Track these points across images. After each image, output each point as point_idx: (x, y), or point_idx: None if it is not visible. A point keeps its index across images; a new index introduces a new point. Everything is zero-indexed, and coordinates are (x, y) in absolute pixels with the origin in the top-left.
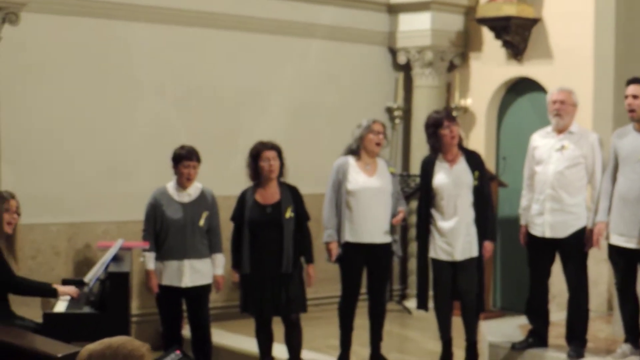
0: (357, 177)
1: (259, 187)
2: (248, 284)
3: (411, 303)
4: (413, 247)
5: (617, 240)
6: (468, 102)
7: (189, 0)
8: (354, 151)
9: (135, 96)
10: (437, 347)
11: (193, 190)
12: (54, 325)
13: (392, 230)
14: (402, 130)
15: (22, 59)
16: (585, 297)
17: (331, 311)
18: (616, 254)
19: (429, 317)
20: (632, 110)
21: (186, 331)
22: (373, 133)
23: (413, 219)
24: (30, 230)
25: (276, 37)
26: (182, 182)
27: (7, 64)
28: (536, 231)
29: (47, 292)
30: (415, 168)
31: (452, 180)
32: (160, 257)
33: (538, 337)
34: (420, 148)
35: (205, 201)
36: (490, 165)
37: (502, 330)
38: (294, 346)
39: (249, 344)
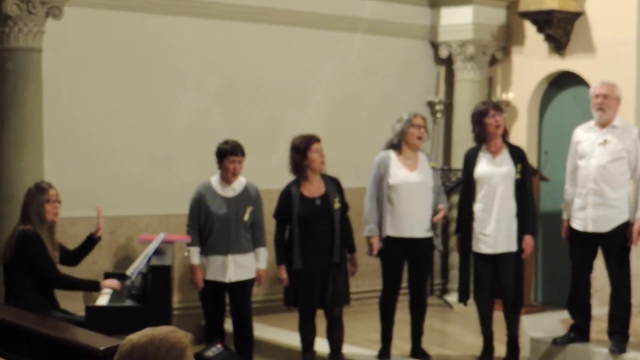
0: (399, 171)
1: (303, 181)
2: (299, 278)
3: (452, 297)
4: (454, 241)
5: None
6: (510, 96)
7: None
8: (395, 145)
9: (177, 90)
10: (478, 341)
11: (237, 185)
12: (96, 318)
13: (434, 224)
14: (444, 124)
15: (65, 53)
16: (627, 291)
17: (372, 305)
18: None
19: (470, 312)
20: None
21: (228, 325)
22: (415, 127)
23: (454, 213)
24: (72, 223)
25: (318, 31)
26: (228, 177)
27: (50, 58)
28: (578, 225)
29: (90, 287)
30: (457, 162)
31: (494, 170)
32: (205, 251)
33: (580, 332)
34: (461, 142)
35: (249, 196)
36: (532, 159)
37: (543, 325)
38: (336, 340)
39: (291, 338)
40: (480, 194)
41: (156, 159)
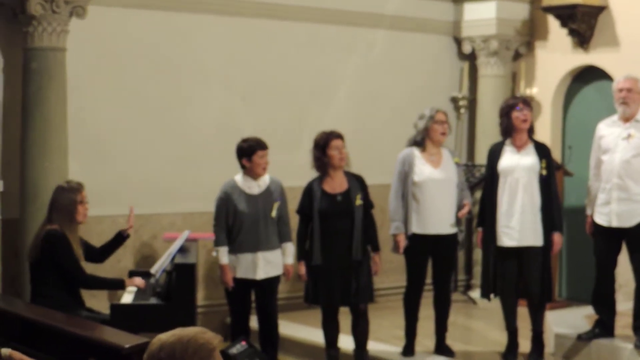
0: (423, 168)
1: (325, 177)
2: (318, 274)
3: (476, 293)
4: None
5: None
6: (534, 91)
7: None
8: (419, 142)
9: (202, 88)
10: (502, 337)
11: (262, 182)
12: (121, 316)
13: (458, 221)
14: (467, 120)
15: (89, 52)
16: None
17: (396, 301)
18: None
19: (495, 308)
20: None
21: (253, 322)
22: (437, 123)
23: (477, 209)
24: (98, 222)
25: (341, 27)
26: (258, 172)
27: (74, 57)
28: (602, 220)
29: (116, 286)
30: (480, 158)
31: (517, 162)
32: (234, 250)
33: (604, 327)
34: (485, 138)
35: (275, 191)
36: (556, 154)
37: (568, 320)
38: (361, 337)
39: (315, 335)
40: (504, 186)
41: (180, 157)
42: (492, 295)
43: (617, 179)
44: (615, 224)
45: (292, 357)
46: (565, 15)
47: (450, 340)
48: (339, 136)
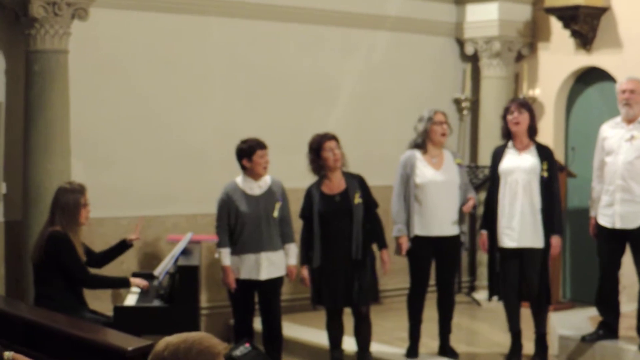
0: (425, 170)
1: (323, 179)
2: (320, 276)
3: (480, 295)
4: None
5: None
6: (536, 92)
7: None
8: (420, 145)
9: (204, 89)
10: (506, 339)
11: (263, 183)
12: (124, 319)
13: (461, 221)
14: (470, 121)
15: (91, 54)
16: None
17: (399, 303)
18: None
19: (498, 309)
20: None
21: (256, 323)
22: (436, 124)
23: (481, 209)
24: (100, 224)
25: (344, 29)
26: (259, 172)
27: (76, 59)
28: (606, 222)
29: (120, 284)
30: (483, 159)
31: (518, 164)
32: (237, 251)
33: (608, 329)
34: (488, 139)
35: (276, 192)
36: (559, 155)
37: (572, 322)
38: (364, 339)
39: (319, 336)
40: (505, 187)
41: (183, 158)
42: (495, 297)
43: (621, 180)
44: (618, 225)
45: (296, 358)
46: (568, 17)
47: (454, 342)
48: (332, 138)
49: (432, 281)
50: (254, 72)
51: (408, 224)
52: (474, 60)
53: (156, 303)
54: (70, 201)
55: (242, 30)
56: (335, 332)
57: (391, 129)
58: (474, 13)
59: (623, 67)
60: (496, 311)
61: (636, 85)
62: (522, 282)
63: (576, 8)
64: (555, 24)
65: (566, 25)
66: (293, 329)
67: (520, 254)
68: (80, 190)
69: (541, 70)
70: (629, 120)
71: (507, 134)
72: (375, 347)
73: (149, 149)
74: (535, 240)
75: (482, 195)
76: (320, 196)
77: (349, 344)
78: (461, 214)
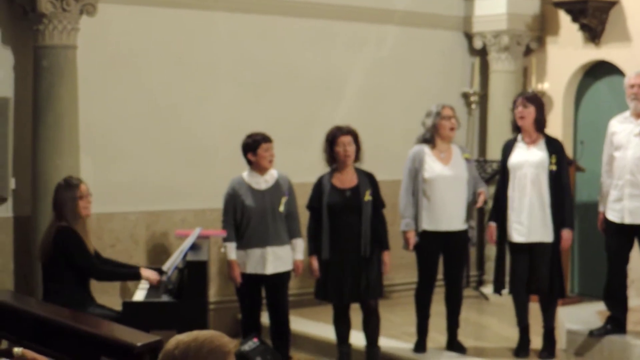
0: (433, 165)
1: (335, 172)
2: (328, 270)
3: (488, 289)
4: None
5: None
6: (545, 86)
7: None
8: (428, 140)
9: (212, 84)
10: (514, 333)
11: (269, 177)
12: (133, 314)
13: (469, 216)
14: (479, 115)
15: (99, 50)
16: None
17: (407, 297)
18: None
19: (506, 304)
20: None
21: (264, 318)
22: (445, 119)
23: (490, 204)
24: (109, 219)
25: (352, 23)
26: (265, 166)
27: (85, 55)
28: (614, 217)
29: (131, 276)
30: (492, 153)
31: (526, 158)
32: (243, 246)
33: (616, 323)
34: (497, 133)
35: (282, 186)
36: (567, 149)
37: (580, 316)
38: (372, 334)
39: (326, 331)
40: (514, 182)
41: (192, 153)
42: (503, 291)
43: (630, 175)
44: (627, 220)
45: (303, 353)
46: (577, 10)
47: (462, 337)
48: (348, 132)
49: (440, 276)
50: (261, 66)
51: (416, 218)
52: (482, 54)
53: (165, 298)
54: (66, 197)
55: (250, 25)
56: (342, 327)
57: (399, 123)
58: (482, 7)
59: (632, 60)
60: (504, 305)
61: None
62: (532, 276)
63: (585, 2)
64: (564, 18)
65: (575, 19)
66: (301, 323)
67: (530, 248)
68: (75, 184)
69: (550, 64)
70: (638, 115)
71: (517, 128)
72: (383, 342)
73: (157, 144)
74: (545, 235)
75: (491, 190)
76: (331, 188)
77: (357, 338)
78: (469, 208)
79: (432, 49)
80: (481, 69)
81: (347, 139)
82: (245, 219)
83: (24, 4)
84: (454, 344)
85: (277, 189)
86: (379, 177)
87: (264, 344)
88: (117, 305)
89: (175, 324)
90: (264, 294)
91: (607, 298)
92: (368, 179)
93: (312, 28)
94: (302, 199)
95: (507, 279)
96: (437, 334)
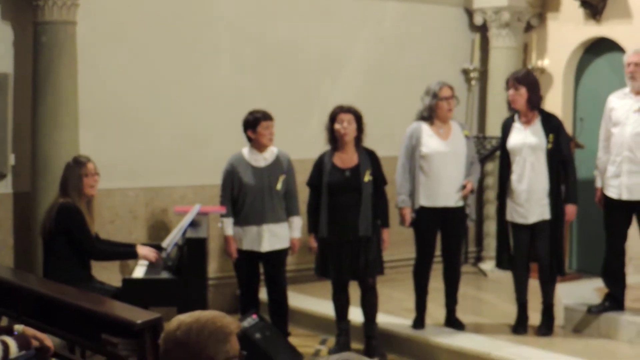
0: (431, 140)
1: (336, 151)
2: (326, 247)
3: (486, 265)
4: (488, 209)
5: None
6: (545, 63)
7: None
8: (426, 118)
9: (212, 61)
10: (512, 309)
11: (269, 155)
12: (132, 291)
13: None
14: (479, 91)
15: (99, 25)
16: None
17: (406, 274)
18: None
19: (505, 280)
20: None
21: (263, 294)
22: (443, 100)
23: (489, 180)
24: (108, 195)
25: (352, 0)
26: (263, 143)
27: (84, 30)
28: (612, 193)
29: (127, 255)
30: (491, 130)
31: (524, 141)
32: (239, 222)
33: (614, 300)
34: (496, 110)
35: (281, 164)
36: (567, 126)
37: (578, 293)
38: (370, 310)
39: (325, 307)
40: (514, 164)
41: (191, 129)
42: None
43: (628, 151)
44: (625, 196)
45: (302, 329)
46: None
47: (461, 312)
48: (347, 111)
49: (438, 252)
50: (262, 43)
51: (412, 195)
52: (482, 30)
53: (164, 275)
54: (72, 174)
55: (250, 2)
56: (341, 304)
57: (399, 99)
58: None
59: (633, 37)
60: (502, 282)
61: None
62: (532, 252)
63: None
64: None
65: None
66: (299, 299)
67: (532, 227)
68: (82, 162)
69: (550, 41)
70: (637, 92)
71: (510, 107)
72: (381, 318)
73: (157, 120)
74: (543, 214)
75: (489, 166)
76: (332, 167)
77: (356, 314)
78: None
79: (433, 25)
80: (481, 45)
81: (346, 117)
82: (242, 195)
83: None
84: (452, 320)
85: (276, 166)
86: (379, 153)
87: (263, 320)
88: (117, 282)
89: (174, 301)
90: (262, 270)
91: (605, 275)
92: (369, 158)
93: (312, 4)
94: (301, 175)
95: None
96: (436, 310)
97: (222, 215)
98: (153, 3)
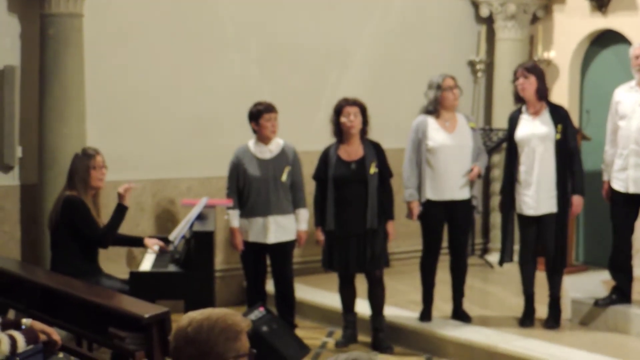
0: (437, 134)
1: (342, 144)
2: (333, 240)
3: (493, 257)
4: (495, 201)
5: None
6: (551, 55)
7: None
8: (431, 112)
9: (218, 53)
10: (519, 302)
11: (274, 147)
12: (139, 284)
13: (472, 185)
14: (485, 83)
15: (106, 18)
16: None
17: (413, 265)
18: None
19: (511, 272)
20: None
21: (269, 286)
22: (447, 90)
23: (496, 172)
24: (115, 187)
25: None
26: (267, 135)
27: (91, 23)
28: (619, 186)
29: (134, 242)
30: (498, 122)
31: (532, 132)
32: (245, 214)
33: (621, 293)
34: (502, 102)
35: (286, 156)
36: (573, 118)
37: (585, 286)
38: (377, 302)
39: (332, 299)
40: (522, 156)
41: (198, 121)
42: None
43: (635, 145)
44: (632, 189)
45: (309, 321)
46: None
47: (467, 305)
48: (354, 104)
49: (445, 244)
50: (267, 35)
51: (419, 188)
52: (489, 22)
53: (171, 268)
54: (80, 166)
55: None
56: (348, 296)
57: (405, 91)
58: None
59: (639, 29)
60: (509, 274)
61: None
62: (539, 245)
63: None
64: None
65: None
66: (306, 292)
67: (539, 220)
68: (91, 154)
69: (556, 33)
70: None
71: (519, 99)
72: (388, 311)
73: (163, 112)
74: (553, 206)
75: (495, 158)
76: (337, 160)
77: (362, 306)
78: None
79: (439, 17)
80: (487, 37)
81: (352, 110)
82: (247, 187)
83: None
84: (459, 313)
85: (282, 158)
86: (385, 145)
87: (270, 313)
88: (124, 274)
89: (182, 294)
90: (268, 262)
91: (612, 268)
92: (374, 150)
93: None
94: (307, 167)
95: (515, 248)
96: (443, 303)
97: (229, 208)
98: None
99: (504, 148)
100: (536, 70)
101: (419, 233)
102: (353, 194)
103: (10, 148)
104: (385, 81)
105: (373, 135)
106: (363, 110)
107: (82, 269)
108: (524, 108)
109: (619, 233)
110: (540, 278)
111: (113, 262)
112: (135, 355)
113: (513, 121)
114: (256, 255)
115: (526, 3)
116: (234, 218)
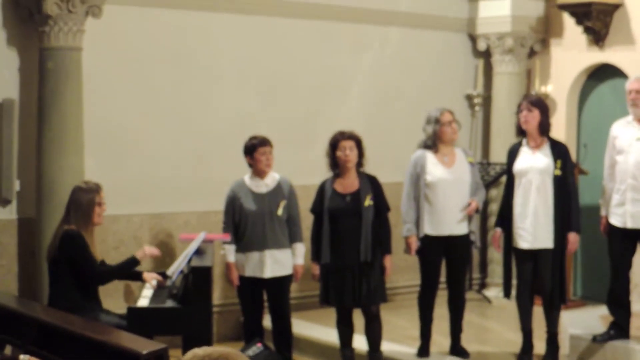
0: (436, 169)
1: (338, 177)
2: (328, 274)
3: (491, 292)
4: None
5: None
6: (548, 88)
7: None
8: (430, 146)
9: (216, 86)
10: (517, 338)
11: (270, 181)
12: (137, 319)
13: (470, 220)
14: (482, 117)
15: (105, 51)
16: None
17: (410, 300)
18: None
19: (509, 307)
20: None
21: (267, 321)
22: (445, 125)
23: (494, 206)
24: (113, 221)
25: (355, 25)
26: (262, 169)
27: (90, 56)
28: (617, 221)
29: (133, 277)
30: (495, 156)
31: (531, 164)
32: (242, 249)
33: (620, 328)
34: (500, 135)
35: (282, 190)
36: (570, 152)
37: (583, 321)
38: (374, 338)
39: (329, 334)
40: (519, 188)
41: (195, 155)
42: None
43: (632, 179)
44: (630, 224)
45: (306, 356)
46: (581, 13)
47: (465, 340)
48: (350, 137)
49: (443, 278)
50: (265, 68)
51: (417, 223)
52: (486, 56)
53: (169, 303)
54: (84, 200)
55: (254, 27)
56: (345, 331)
57: (403, 125)
58: (486, 9)
59: (636, 63)
60: (507, 309)
61: None
62: (536, 279)
63: (589, 5)
64: (568, 20)
65: (579, 21)
66: (303, 327)
67: (535, 254)
68: (95, 189)
69: (553, 67)
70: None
71: (521, 131)
72: (386, 346)
73: (162, 145)
74: (549, 241)
75: (493, 192)
76: (332, 193)
77: (360, 342)
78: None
79: (436, 51)
80: (485, 70)
81: (348, 144)
82: (244, 221)
83: (29, 5)
84: (457, 349)
85: (277, 192)
86: (382, 179)
87: (268, 349)
88: (121, 309)
89: (179, 330)
90: (265, 297)
91: (610, 303)
92: (370, 183)
93: (315, 29)
94: (304, 201)
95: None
96: (441, 338)
97: (225, 242)
98: (158, 30)
99: (502, 182)
100: (541, 105)
101: (416, 267)
102: (348, 227)
103: (8, 182)
104: (382, 115)
105: (370, 168)
106: (359, 144)
107: (80, 304)
108: (524, 141)
109: (617, 268)
110: (538, 313)
111: (110, 297)
112: None
113: (513, 153)
114: (253, 290)
115: (523, 37)
116: (230, 253)
